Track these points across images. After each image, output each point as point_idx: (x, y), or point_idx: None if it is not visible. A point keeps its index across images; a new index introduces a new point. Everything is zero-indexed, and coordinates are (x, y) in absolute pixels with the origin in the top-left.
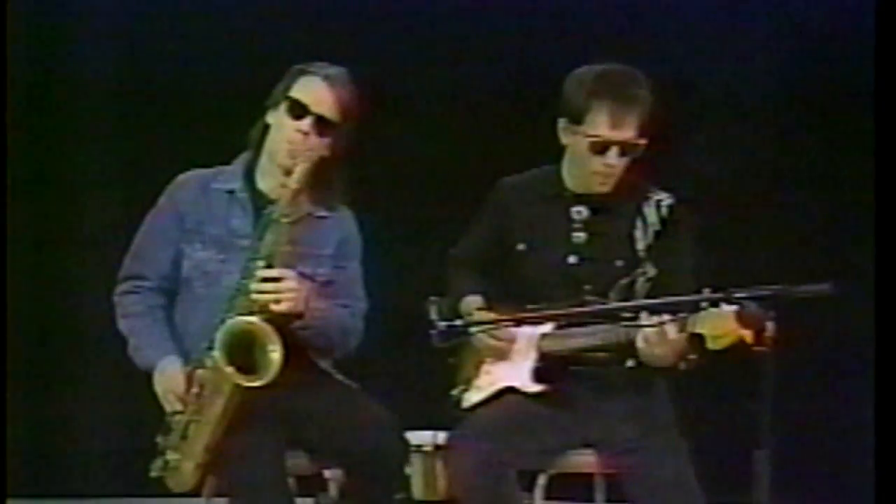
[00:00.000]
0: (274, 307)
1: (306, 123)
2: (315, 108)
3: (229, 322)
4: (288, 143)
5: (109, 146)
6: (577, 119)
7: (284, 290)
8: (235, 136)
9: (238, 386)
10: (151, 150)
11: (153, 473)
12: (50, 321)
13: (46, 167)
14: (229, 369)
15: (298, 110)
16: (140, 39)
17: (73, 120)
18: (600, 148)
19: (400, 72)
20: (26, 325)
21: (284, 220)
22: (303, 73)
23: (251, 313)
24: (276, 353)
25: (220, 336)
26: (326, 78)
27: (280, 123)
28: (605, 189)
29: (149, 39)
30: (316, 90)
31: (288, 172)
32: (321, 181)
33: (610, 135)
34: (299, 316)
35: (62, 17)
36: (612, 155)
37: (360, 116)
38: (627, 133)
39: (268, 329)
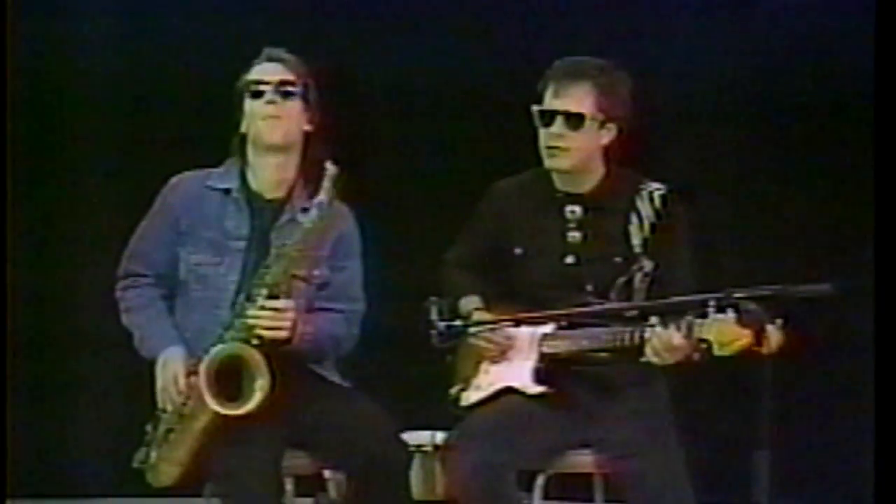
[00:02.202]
0: (265, 333)
1: (269, 94)
2: (270, 79)
3: (221, 346)
4: (262, 120)
5: (109, 147)
6: (539, 102)
7: (281, 320)
8: (232, 136)
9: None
10: (150, 150)
11: (134, 464)
12: (50, 321)
13: (46, 169)
14: (210, 399)
15: (256, 88)
16: (138, 41)
17: (72, 121)
18: (547, 119)
19: (400, 71)
20: (26, 325)
21: (296, 254)
22: (250, 65)
23: (246, 337)
24: (261, 390)
25: (208, 359)
26: (269, 57)
27: (250, 112)
28: (561, 165)
29: (147, 41)
30: (264, 67)
31: (279, 150)
32: (313, 170)
33: (552, 104)
34: (287, 340)
35: (60, 19)
36: (558, 125)
37: (316, 80)
38: (571, 104)
39: (259, 359)
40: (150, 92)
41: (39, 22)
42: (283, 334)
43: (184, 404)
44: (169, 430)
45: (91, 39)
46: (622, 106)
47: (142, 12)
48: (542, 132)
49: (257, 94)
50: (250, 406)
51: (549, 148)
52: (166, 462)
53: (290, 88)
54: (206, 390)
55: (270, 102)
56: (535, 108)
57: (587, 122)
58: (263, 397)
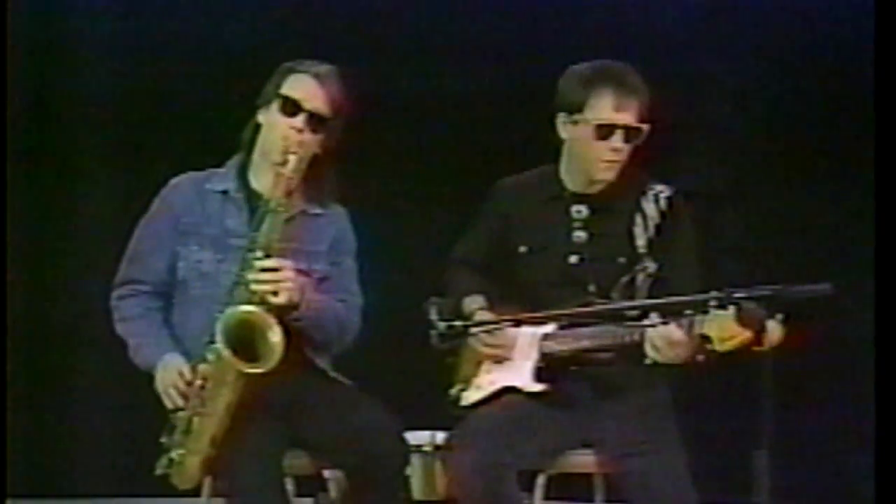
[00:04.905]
0: (272, 299)
1: (300, 120)
2: (307, 105)
3: (228, 312)
4: (282, 141)
5: (108, 148)
6: (578, 108)
7: (282, 281)
8: (230, 138)
9: (242, 376)
10: (149, 152)
11: (158, 471)
12: (50, 321)
13: (45, 169)
14: (232, 355)
15: (291, 108)
16: (137, 42)
17: (71, 122)
18: (605, 132)
19: (399, 70)
20: (26, 325)
21: (280, 209)
22: (292, 71)
23: (250, 300)
24: (276, 338)
25: (220, 325)
26: (316, 76)
27: (273, 122)
28: (610, 176)
29: (145, 41)
30: (307, 87)
31: (283, 166)
32: (313, 179)
33: (615, 117)
34: (294, 307)
35: (60, 21)
36: (617, 139)
37: (350, 113)
38: (630, 117)
39: (266, 316)
40: (149, 93)
41: (39, 22)
42: (286, 296)
43: (202, 388)
44: (191, 418)
45: (91, 40)
46: (648, 112)
47: (141, 12)
48: (596, 145)
49: (288, 113)
50: (273, 361)
51: (606, 161)
52: (192, 455)
53: (321, 120)
54: (229, 352)
55: (297, 129)
56: (594, 120)
57: (642, 134)
58: (282, 350)
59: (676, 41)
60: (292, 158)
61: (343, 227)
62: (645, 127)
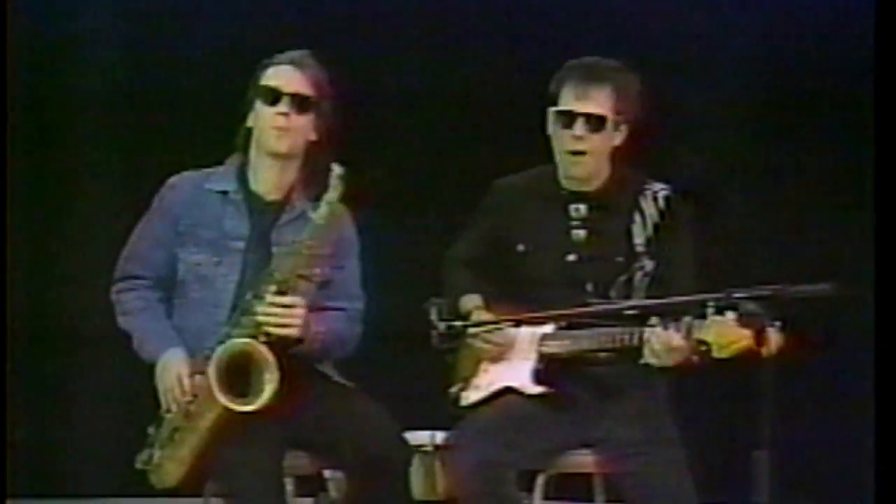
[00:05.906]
0: (274, 330)
1: (284, 105)
2: (287, 89)
3: (230, 343)
4: (273, 129)
5: (108, 147)
6: (553, 102)
7: (292, 318)
8: (229, 136)
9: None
10: (150, 150)
11: (137, 465)
12: (50, 321)
13: (46, 168)
14: (221, 394)
15: (272, 96)
16: (136, 41)
17: (71, 120)
18: (567, 121)
19: (399, 71)
20: (26, 324)
21: (305, 251)
22: (269, 64)
23: (253, 334)
24: (271, 384)
25: (217, 355)
26: (291, 62)
27: (260, 116)
28: (579, 172)
29: (145, 41)
30: (284, 73)
31: (282, 157)
32: (315, 173)
33: (574, 106)
34: (299, 341)
35: (60, 20)
36: (579, 127)
37: (335, 93)
38: (593, 106)
39: (268, 355)
40: (149, 92)
41: (39, 22)
42: (292, 331)
43: (190, 403)
44: (175, 430)
45: (91, 39)
46: (634, 107)
47: (141, 12)
48: (560, 134)
49: (271, 101)
50: (261, 401)
51: (571, 153)
52: (172, 461)
53: (305, 101)
54: (217, 387)
55: (283, 114)
56: (553, 109)
57: (608, 125)
58: (273, 392)
59: (675, 41)
60: (285, 140)
61: (346, 229)
62: (609, 115)
